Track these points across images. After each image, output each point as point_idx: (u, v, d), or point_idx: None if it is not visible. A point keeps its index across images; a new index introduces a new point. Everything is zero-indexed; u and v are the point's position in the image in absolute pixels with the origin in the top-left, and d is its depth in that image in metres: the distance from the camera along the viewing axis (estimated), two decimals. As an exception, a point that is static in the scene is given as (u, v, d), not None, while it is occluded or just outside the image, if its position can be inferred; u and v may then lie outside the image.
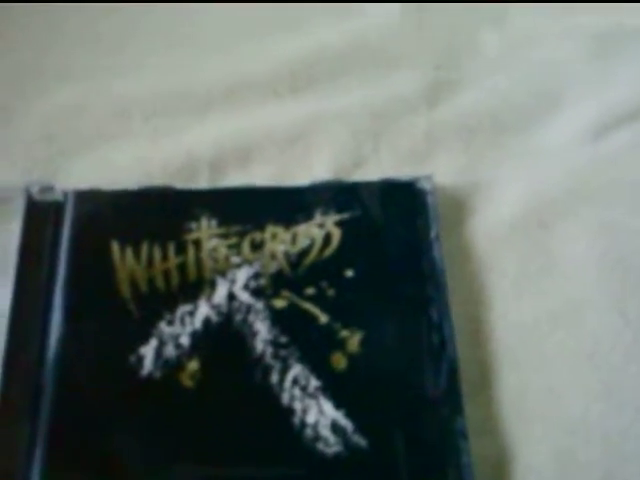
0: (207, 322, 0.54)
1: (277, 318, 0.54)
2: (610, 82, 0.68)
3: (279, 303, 0.55)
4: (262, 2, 0.70)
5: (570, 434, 0.53)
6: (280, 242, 0.57)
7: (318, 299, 0.55)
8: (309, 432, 0.51)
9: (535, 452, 0.52)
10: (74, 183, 0.60)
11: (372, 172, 0.62)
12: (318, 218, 0.58)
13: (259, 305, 0.55)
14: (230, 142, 0.64)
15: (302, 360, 0.53)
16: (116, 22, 0.71)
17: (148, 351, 0.53)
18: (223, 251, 0.57)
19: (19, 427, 0.51)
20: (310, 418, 0.51)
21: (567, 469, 0.52)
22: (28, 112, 0.66)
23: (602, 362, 0.55)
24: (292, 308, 0.55)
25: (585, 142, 0.65)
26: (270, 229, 0.58)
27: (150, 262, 0.56)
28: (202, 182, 0.62)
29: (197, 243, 0.57)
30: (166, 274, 0.56)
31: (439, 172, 0.61)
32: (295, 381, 0.52)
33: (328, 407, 0.52)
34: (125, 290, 0.55)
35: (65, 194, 0.59)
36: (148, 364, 0.53)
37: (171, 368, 0.53)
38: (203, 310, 0.54)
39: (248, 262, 0.56)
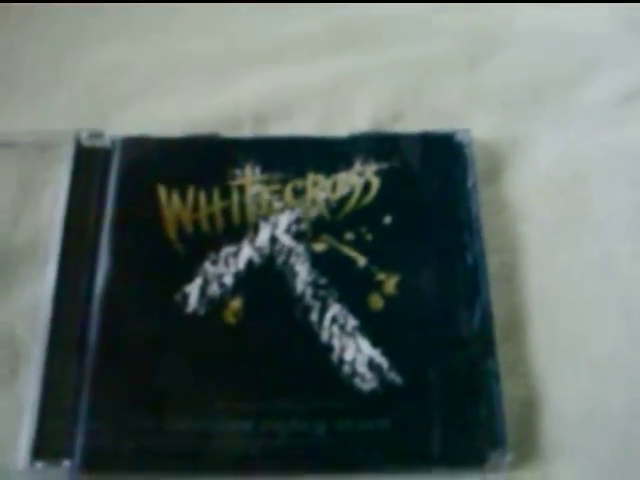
0: (250, 263, 0.56)
1: (317, 260, 0.56)
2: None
3: (319, 246, 0.57)
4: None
5: (597, 377, 0.54)
6: (321, 189, 0.59)
7: (357, 243, 0.57)
8: (347, 368, 0.53)
9: (563, 394, 0.54)
10: (123, 132, 0.62)
11: (410, 127, 0.63)
12: (358, 167, 0.60)
13: (300, 248, 0.56)
14: (273, 95, 0.66)
15: (340, 300, 0.55)
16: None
17: (193, 289, 0.55)
18: (266, 197, 0.58)
19: (67, 363, 0.53)
20: (348, 355, 0.53)
21: (593, 412, 0.53)
22: (77, 67, 0.67)
23: (631, 309, 0.56)
24: (331, 251, 0.56)
25: (617, 104, 0.66)
26: (311, 177, 0.59)
27: (196, 206, 0.58)
28: (245, 134, 0.64)
29: (241, 189, 0.59)
30: (211, 217, 0.58)
31: (477, 129, 0.62)
32: (334, 320, 0.54)
33: (365, 345, 0.53)
34: (171, 231, 0.57)
35: (113, 141, 0.61)
36: (193, 301, 0.55)
37: (215, 306, 0.55)
38: (246, 251, 0.56)
39: (290, 207, 0.58)
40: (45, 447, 0.51)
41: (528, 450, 0.52)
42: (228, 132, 0.63)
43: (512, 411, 0.53)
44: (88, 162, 0.61)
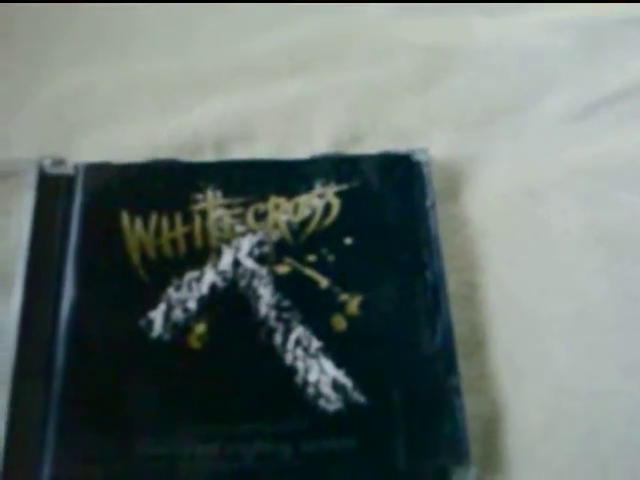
0: (213, 287, 0.57)
1: (280, 283, 0.57)
2: (596, 67, 0.70)
3: (282, 269, 0.57)
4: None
5: (558, 392, 0.55)
6: (282, 212, 0.60)
7: (319, 265, 0.57)
8: (311, 390, 0.53)
9: (525, 409, 0.55)
10: (85, 159, 0.62)
11: (369, 148, 0.64)
12: (318, 189, 0.61)
13: (263, 271, 0.57)
14: (233, 119, 0.66)
15: (304, 322, 0.55)
16: (123, 11, 0.73)
17: (157, 315, 0.56)
18: (228, 221, 0.59)
19: (34, 391, 0.53)
20: (312, 377, 0.54)
21: (555, 426, 0.54)
22: (41, 94, 0.68)
23: (589, 324, 0.58)
24: (294, 274, 0.57)
25: (573, 120, 0.67)
26: (273, 200, 0.60)
27: (158, 231, 0.59)
28: (207, 158, 0.64)
29: (203, 213, 0.59)
30: (174, 242, 0.58)
31: (435, 148, 0.63)
32: (297, 342, 0.55)
33: (329, 366, 0.54)
34: (135, 258, 0.58)
35: (76, 167, 0.61)
36: (157, 327, 0.55)
37: (179, 331, 0.55)
38: (209, 276, 0.57)
39: (252, 231, 0.59)
40: (12, 476, 0.51)
41: (492, 465, 0.53)
42: (190, 157, 0.63)
43: (475, 427, 0.54)
44: (51, 189, 0.61)
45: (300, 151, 0.64)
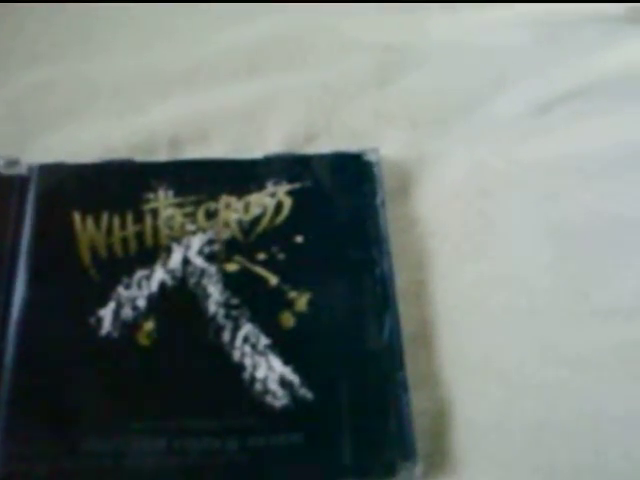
0: (163, 285, 0.57)
1: (229, 281, 0.57)
2: (551, 65, 0.71)
3: (231, 267, 0.58)
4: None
5: (506, 387, 0.55)
6: (233, 211, 0.60)
7: (269, 263, 0.58)
8: (258, 386, 0.54)
9: (473, 405, 0.55)
10: (40, 159, 0.62)
11: (323, 147, 0.65)
12: (270, 188, 0.61)
13: (212, 269, 0.57)
14: (189, 119, 0.67)
15: (252, 319, 0.56)
16: (82, 9, 0.73)
17: (107, 313, 0.56)
18: (179, 219, 0.59)
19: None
20: (260, 373, 0.54)
21: (503, 421, 0.55)
22: (-5, 92, 0.67)
23: (538, 320, 0.58)
24: (243, 272, 0.58)
25: (526, 118, 0.68)
26: (224, 199, 0.60)
27: (110, 230, 0.59)
28: (162, 158, 0.64)
29: (154, 212, 0.60)
30: (124, 241, 0.59)
31: (386, 147, 0.64)
32: (246, 339, 0.55)
33: (277, 363, 0.54)
34: (86, 257, 0.58)
35: (30, 168, 0.62)
36: (107, 325, 0.55)
37: (128, 328, 0.55)
38: (159, 274, 0.57)
39: (202, 230, 0.59)
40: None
41: (439, 460, 0.53)
42: (145, 157, 0.64)
43: (422, 422, 0.54)
44: (5, 190, 0.61)
45: (255, 151, 0.64)
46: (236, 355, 0.54)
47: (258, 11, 0.73)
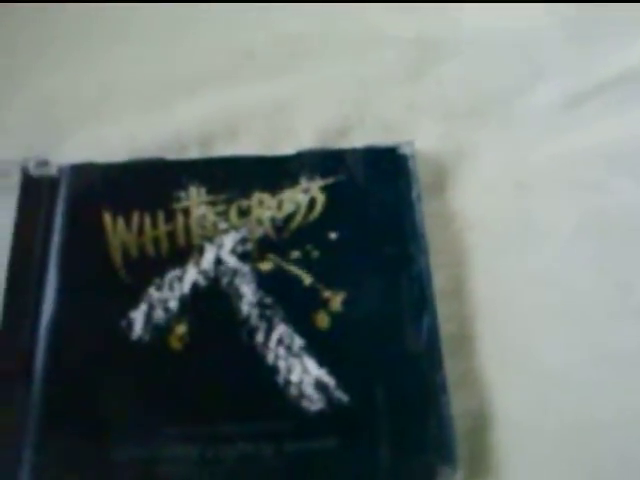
0: (195, 286, 0.56)
1: (262, 281, 0.56)
2: (584, 57, 0.69)
3: (264, 266, 0.56)
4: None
5: (547, 387, 0.54)
6: (266, 208, 0.59)
7: (302, 261, 0.56)
8: (293, 390, 0.52)
9: (513, 406, 0.53)
10: (70, 160, 0.62)
11: (357, 141, 0.63)
12: (303, 184, 0.60)
13: (245, 269, 0.56)
14: (218, 117, 0.65)
15: (286, 320, 0.54)
16: (107, 12, 0.72)
17: (138, 315, 0.55)
18: (211, 218, 0.58)
19: (13, 395, 0.53)
20: (294, 377, 0.53)
21: (544, 423, 0.53)
22: (24, 96, 0.67)
23: (579, 316, 0.56)
24: (277, 271, 0.56)
25: (562, 110, 0.66)
26: (256, 196, 0.59)
27: (140, 230, 0.58)
28: (192, 156, 0.64)
29: (186, 211, 0.59)
30: (156, 241, 0.58)
31: (421, 139, 0.62)
32: (280, 341, 0.54)
33: (311, 365, 0.53)
34: (117, 258, 0.57)
35: (60, 168, 0.61)
36: (138, 328, 0.54)
37: (160, 331, 0.54)
38: (191, 274, 0.56)
39: (235, 228, 0.58)
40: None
41: (479, 464, 0.52)
42: (174, 155, 0.63)
43: (462, 425, 0.53)
44: (35, 191, 0.61)
45: (286, 147, 0.63)
46: (270, 357, 0.53)
47: (287, 6, 0.71)
